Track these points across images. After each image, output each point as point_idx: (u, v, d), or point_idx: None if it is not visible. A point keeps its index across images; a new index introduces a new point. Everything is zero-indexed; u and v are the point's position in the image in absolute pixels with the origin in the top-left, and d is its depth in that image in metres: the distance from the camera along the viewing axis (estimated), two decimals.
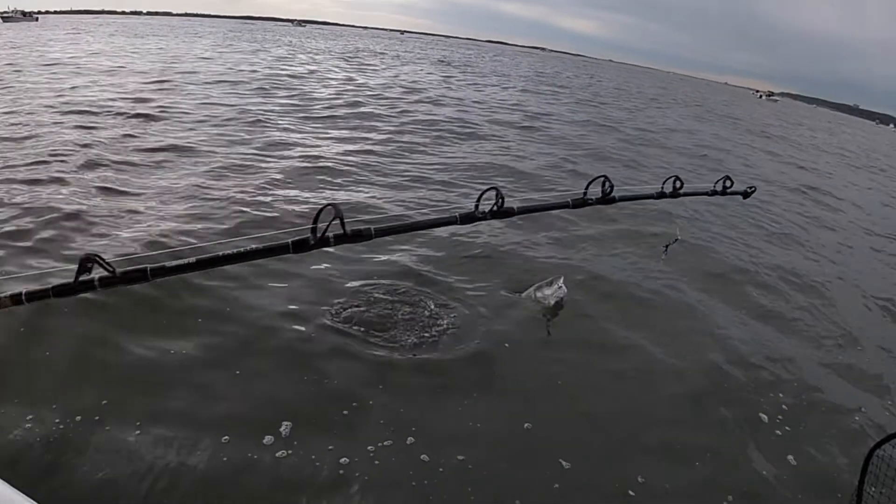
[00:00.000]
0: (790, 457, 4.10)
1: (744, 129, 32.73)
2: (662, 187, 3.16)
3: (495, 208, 2.48)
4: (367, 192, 8.85)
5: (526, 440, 3.83)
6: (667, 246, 5.51)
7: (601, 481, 3.58)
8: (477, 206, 2.47)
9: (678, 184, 3.16)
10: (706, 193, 3.48)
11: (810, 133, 43.76)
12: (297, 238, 2.02)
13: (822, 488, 3.82)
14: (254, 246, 2.01)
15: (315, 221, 2.01)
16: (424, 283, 5.66)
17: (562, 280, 5.49)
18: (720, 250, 8.36)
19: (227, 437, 3.39)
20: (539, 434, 3.88)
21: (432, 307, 5.19)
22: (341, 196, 8.41)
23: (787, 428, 4.43)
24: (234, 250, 2.01)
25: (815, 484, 3.86)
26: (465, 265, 6.29)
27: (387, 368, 4.26)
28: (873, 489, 2.85)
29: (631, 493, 3.51)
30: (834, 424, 4.58)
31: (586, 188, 2.86)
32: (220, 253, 2.00)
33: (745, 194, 3.73)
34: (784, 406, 4.68)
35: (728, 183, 3.33)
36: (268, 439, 3.41)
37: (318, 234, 2.01)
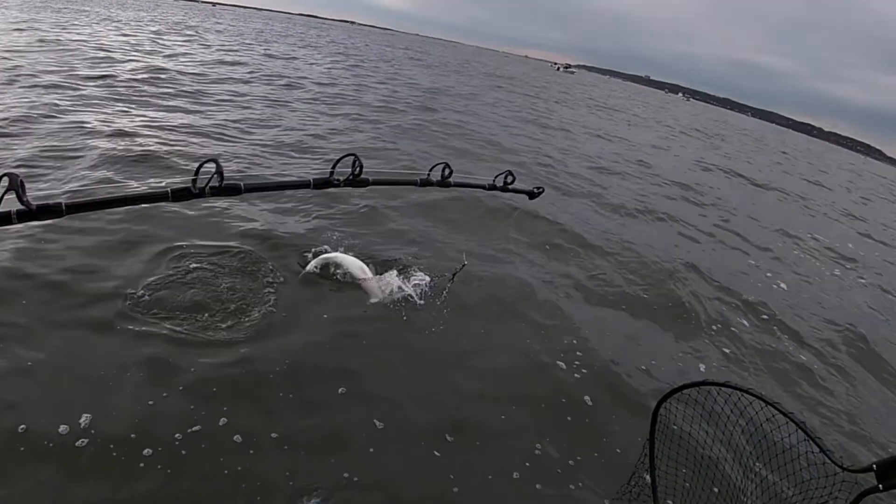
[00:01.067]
0: (586, 397, 4.66)
1: (536, 96, 35.70)
2: (494, 181, 3.56)
3: (351, 177, 2.52)
4: None
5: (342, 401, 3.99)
6: (454, 274, 5.33)
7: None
8: (332, 173, 2.50)
9: (510, 178, 3.53)
10: (525, 193, 3.91)
11: (602, 97, 48.53)
12: (176, 187, 2.13)
13: (619, 443, 4.20)
14: (135, 191, 2.12)
15: (196, 174, 2.13)
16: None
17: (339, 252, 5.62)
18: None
19: (23, 427, 3.22)
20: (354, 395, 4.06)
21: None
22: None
23: (581, 374, 5.00)
24: (113, 194, 2.08)
25: (610, 442, 4.25)
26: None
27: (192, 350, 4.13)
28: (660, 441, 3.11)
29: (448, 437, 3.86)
30: (625, 381, 5.04)
31: (429, 171, 3.13)
32: (98, 197, 2.07)
33: (531, 195, 4.10)
34: (582, 369, 5.10)
35: (515, 184, 3.75)
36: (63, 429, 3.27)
37: (198, 186, 2.15)
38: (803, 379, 6.30)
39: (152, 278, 4.88)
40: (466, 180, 3.57)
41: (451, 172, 3.15)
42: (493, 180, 3.59)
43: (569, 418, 4.44)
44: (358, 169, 2.55)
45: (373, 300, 5.17)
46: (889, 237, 18.57)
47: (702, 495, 3.24)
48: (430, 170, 3.16)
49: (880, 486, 2.09)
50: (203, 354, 4.07)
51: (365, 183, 2.66)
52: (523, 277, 6.74)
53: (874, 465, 2.12)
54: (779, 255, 11.67)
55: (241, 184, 2.34)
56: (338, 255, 5.53)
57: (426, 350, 4.83)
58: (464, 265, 5.24)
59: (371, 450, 3.63)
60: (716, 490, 3.28)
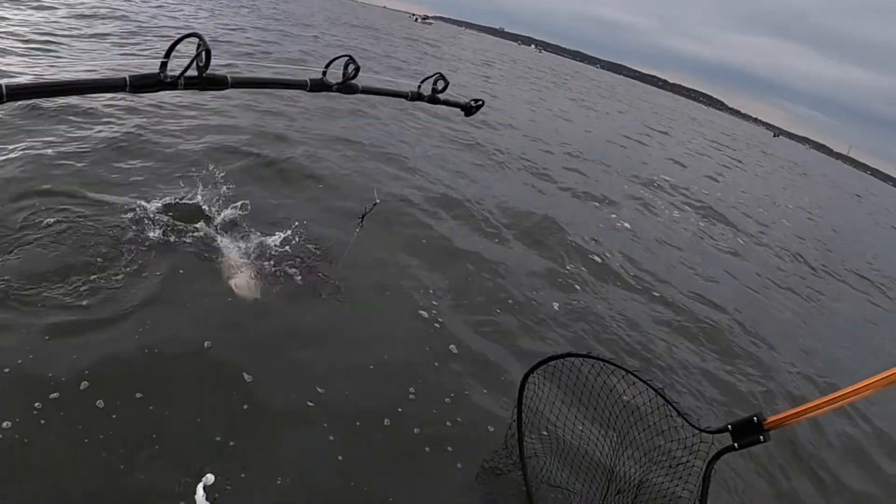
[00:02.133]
0: (451, 346, 4.94)
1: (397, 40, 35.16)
2: (420, 88, 2.79)
3: (343, 80, 2.26)
4: None
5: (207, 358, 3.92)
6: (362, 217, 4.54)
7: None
8: (325, 73, 2.23)
9: (440, 85, 2.78)
10: (459, 106, 3.11)
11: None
12: (137, 74, 1.64)
13: (488, 409, 4.30)
14: (85, 77, 1.60)
15: (167, 55, 1.65)
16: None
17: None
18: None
19: None
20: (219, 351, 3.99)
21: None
22: None
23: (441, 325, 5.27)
24: (59, 80, 1.66)
25: (481, 409, 4.39)
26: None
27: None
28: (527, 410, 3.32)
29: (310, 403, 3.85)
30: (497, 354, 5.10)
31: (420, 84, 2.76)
32: (36, 82, 1.57)
33: (468, 109, 3.17)
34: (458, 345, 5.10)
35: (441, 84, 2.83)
36: None
37: (170, 74, 1.67)
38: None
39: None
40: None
41: (446, 86, 2.75)
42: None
43: (436, 363, 4.59)
44: (353, 72, 2.25)
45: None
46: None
47: (572, 462, 3.33)
48: (422, 82, 2.75)
49: (735, 444, 2.19)
50: (64, 319, 3.85)
51: (356, 90, 2.39)
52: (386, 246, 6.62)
53: (729, 426, 2.22)
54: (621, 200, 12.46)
55: (227, 76, 1.88)
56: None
57: (296, 311, 4.76)
58: (375, 203, 4.50)
59: (245, 406, 3.59)
60: (585, 455, 3.44)
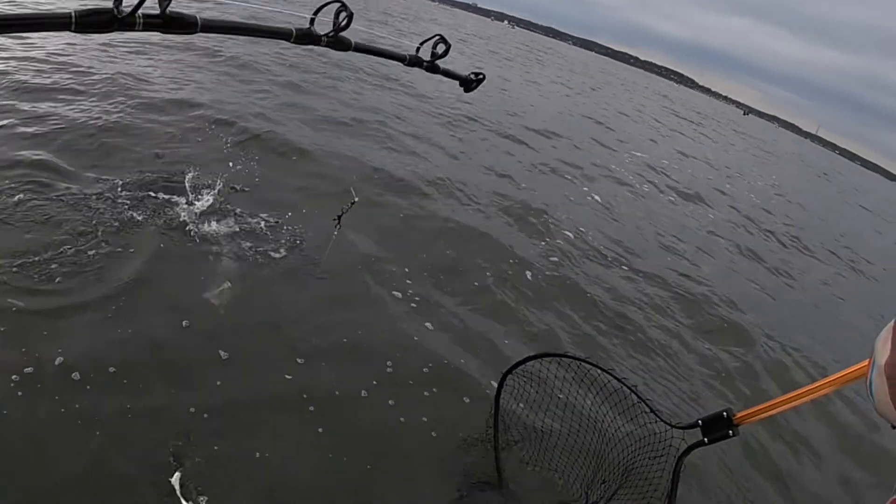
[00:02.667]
0: (427, 324, 5.00)
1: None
2: (418, 52, 2.55)
3: (333, 32, 2.00)
4: None
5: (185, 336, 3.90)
6: (339, 217, 4.36)
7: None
8: (312, 21, 1.97)
9: (441, 49, 2.51)
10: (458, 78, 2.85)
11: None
12: (85, 9, 1.38)
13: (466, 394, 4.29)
14: (27, 13, 1.37)
15: None
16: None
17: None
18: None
19: None
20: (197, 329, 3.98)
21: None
22: None
23: (416, 303, 5.35)
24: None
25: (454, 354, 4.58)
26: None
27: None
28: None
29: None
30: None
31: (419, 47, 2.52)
32: None
33: (467, 83, 2.89)
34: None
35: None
36: None
37: (123, 11, 1.40)
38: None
39: None
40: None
41: (447, 50, 2.48)
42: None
43: (415, 338, 4.63)
44: (345, 21, 1.96)
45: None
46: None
47: (550, 455, 3.39)
48: (421, 44, 2.52)
49: (705, 440, 2.25)
50: (37, 298, 3.79)
51: (348, 45, 2.12)
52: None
53: (699, 422, 2.28)
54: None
55: (198, 17, 1.60)
56: None
57: (275, 291, 4.75)
58: (353, 202, 4.32)
59: (218, 382, 3.59)
60: (561, 448, 3.46)
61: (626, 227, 9.76)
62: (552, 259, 7.12)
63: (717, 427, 2.25)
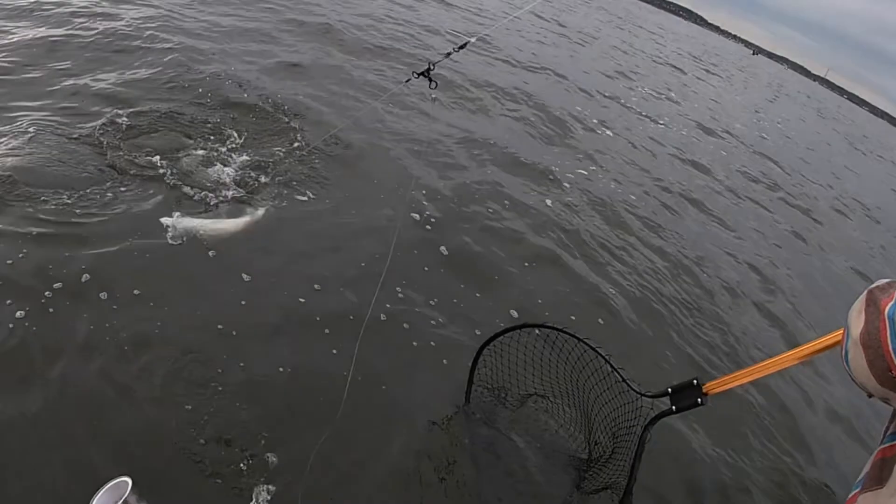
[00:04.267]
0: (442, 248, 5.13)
1: None
2: None
3: None
4: None
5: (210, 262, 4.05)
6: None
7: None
8: None
9: None
10: None
11: None
12: None
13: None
14: None
15: None
16: None
17: None
18: None
19: None
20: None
21: None
22: None
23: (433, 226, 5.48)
24: None
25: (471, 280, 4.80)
26: None
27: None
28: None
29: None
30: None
31: None
32: None
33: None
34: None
35: None
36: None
37: None
38: None
39: None
40: None
41: None
42: None
43: (426, 268, 4.80)
44: None
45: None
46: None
47: (525, 422, 3.47)
48: None
49: (673, 408, 2.31)
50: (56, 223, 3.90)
51: None
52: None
53: (669, 389, 2.33)
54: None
55: None
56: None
57: (295, 217, 4.84)
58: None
59: (242, 302, 3.75)
60: (540, 418, 3.58)
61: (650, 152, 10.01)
62: (565, 197, 7.32)
63: (687, 395, 2.27)
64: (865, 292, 1.17)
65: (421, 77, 3.76)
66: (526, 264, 5.42)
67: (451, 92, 9.50)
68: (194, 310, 3.58)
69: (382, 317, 4.04)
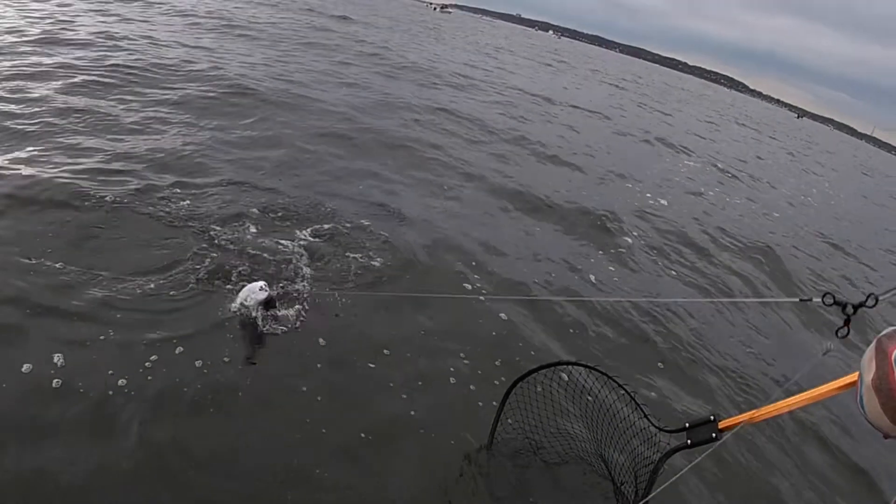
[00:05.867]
0: None
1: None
2: None
3: None
4: None
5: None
6: None
7: None
8: None
9: None
10: None
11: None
12: None
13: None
14: None
15: None
16: None
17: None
18: None
19: None
20: None
21: None
22: None
23: None
24: None
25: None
26: None
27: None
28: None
29: None
30: None
31: None
32: None
33: None
34: None
35: None
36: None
37: None
38: None
39: None
40: None
41: None
42: None
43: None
44: None
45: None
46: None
47: (549, 452, 3.53)
48: None
49: (688, 441, 2.42)
50: None
51: None
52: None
53: (686, 425, 2.45)
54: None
55: None
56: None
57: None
58: None
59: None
60: (561, 450, 3.61)
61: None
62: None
63: (702, 431, 2.35)
64: (875, 341, 1.26)
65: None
66: None
67: None
68: None
69: None
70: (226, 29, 17.95)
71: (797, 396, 2.14)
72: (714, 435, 2.34)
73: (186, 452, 3.05)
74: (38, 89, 7.98)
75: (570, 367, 3.05)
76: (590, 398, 3.07)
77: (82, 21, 13.55)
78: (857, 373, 1.38)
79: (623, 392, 2.80)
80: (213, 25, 17.95)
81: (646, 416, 2.69)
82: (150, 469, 2.92)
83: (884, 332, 1.26)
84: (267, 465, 3.11)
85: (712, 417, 2.39)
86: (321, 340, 4.15)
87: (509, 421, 3.52)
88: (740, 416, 2.35)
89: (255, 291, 3.97)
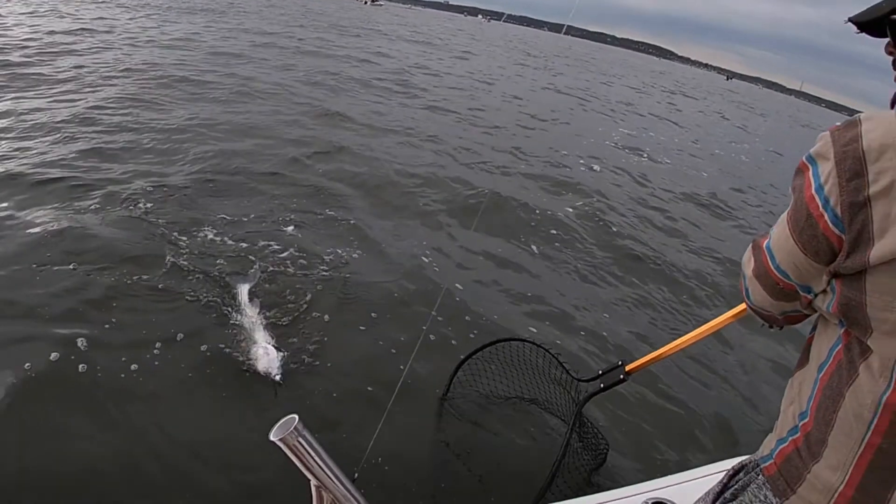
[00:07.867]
0: None
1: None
2: None
3: None
4: None
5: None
6: None
7: None
8: None
9: None
10: None
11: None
12: None
13: None
14: None
15: None
16: None
17: None
18: None
19: None
20: None
21: None
22: None
23: None
24: None
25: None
26: None
27: None
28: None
29: None
30: None
31: None
32: None
33: None
34: None
35: None
36: None
37: None
38: None
39: None
40: None
41: None
42: None
43: None
44: None
45: None
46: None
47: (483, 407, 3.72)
48: None
49: (601, 385, 2.69)
50: None
51: None
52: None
53: (600, 372, 2.73)
54: None
55: None
56: None
57: None
58: None
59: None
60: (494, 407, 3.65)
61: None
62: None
63: (612, 375, 2.64)
64: (751, 243, 1.39)
65: None
66: None
67: None
68: None
69: None
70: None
71: (694, 331, 2.34)
72: (622, 377, 2.63)
73: None
74: None
75: (508, 342, 3.28)
76: (526, 367, 3.31)
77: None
78: (743, 304, 1.60)
79: (551, 357, 3.06)
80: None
81: (567, 371, 2.96)
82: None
83: (756, 235, 1.51)
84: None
85: (620, 362, 2.67)
86: None
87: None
88: (644, 358, 2.58)
89: None
